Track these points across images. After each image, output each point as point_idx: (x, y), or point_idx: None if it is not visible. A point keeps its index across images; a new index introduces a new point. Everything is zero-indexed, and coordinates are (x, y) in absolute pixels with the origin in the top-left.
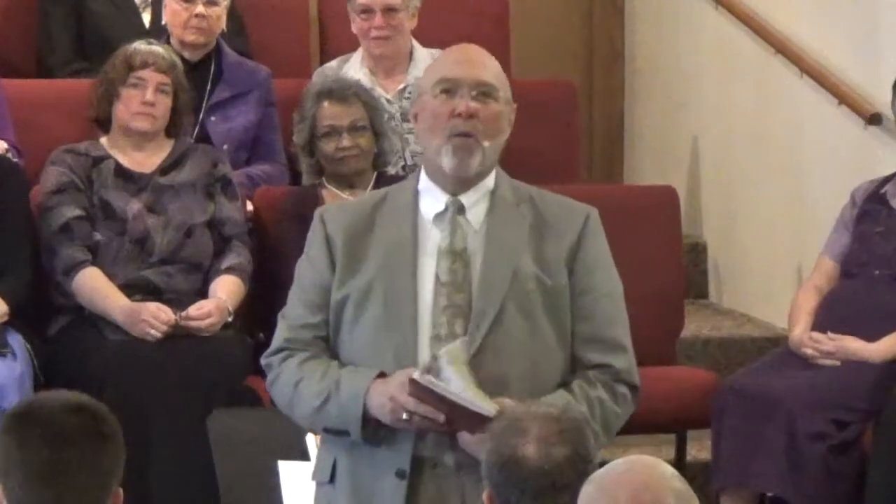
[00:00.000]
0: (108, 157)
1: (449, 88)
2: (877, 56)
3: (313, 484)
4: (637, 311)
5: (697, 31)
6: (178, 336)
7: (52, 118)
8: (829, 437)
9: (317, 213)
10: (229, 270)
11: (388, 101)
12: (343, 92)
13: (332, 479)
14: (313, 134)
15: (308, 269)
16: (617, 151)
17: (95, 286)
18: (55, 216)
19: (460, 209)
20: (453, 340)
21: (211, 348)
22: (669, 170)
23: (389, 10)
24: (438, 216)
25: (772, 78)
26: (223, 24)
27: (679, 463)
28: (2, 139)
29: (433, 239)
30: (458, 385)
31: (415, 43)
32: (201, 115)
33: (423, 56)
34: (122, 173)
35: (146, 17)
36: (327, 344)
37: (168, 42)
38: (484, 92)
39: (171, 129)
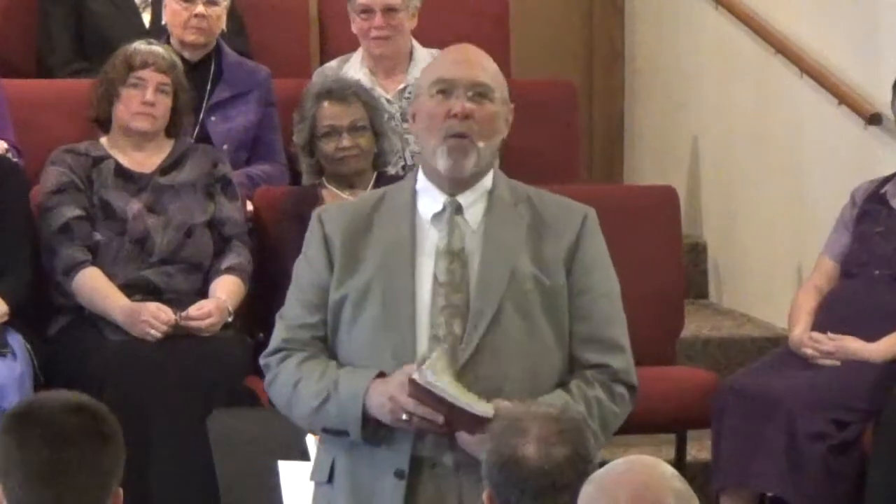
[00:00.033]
0: (108, 157)
1: (445, 89)
2: (877, 56)
3: (312, 484)
4: (637, 311)
5: (697, 31)
6: (178, 336)
7: (52, 118)
8: (829, 437)
9: (315, 213)
10: (229, 270)
11: (388, 101)
12: (343, 92)
13: (330, 479)
14: (313, 134)
15: (306, 270)
16: (617, 151)
17: (95, 286)
18: (55, 216)
19: (458, 209)
20: (451, 340)
21: (211, 348)
22: (669, 170)
23: (389, 10)
24: (436, 216)
25: (772, 78)
26: (223, 24)
27: (679, 463)
28: (2, 139)
29: (431, 239)
30: (452, 390)
31: (415, 43)
32: (201, 115)
33: (423, 56)
34: (122, 173)
35: (146, 17)
36: (325, 344)
37: (168, 42)
38: (480, 92)
39: (171, 129)
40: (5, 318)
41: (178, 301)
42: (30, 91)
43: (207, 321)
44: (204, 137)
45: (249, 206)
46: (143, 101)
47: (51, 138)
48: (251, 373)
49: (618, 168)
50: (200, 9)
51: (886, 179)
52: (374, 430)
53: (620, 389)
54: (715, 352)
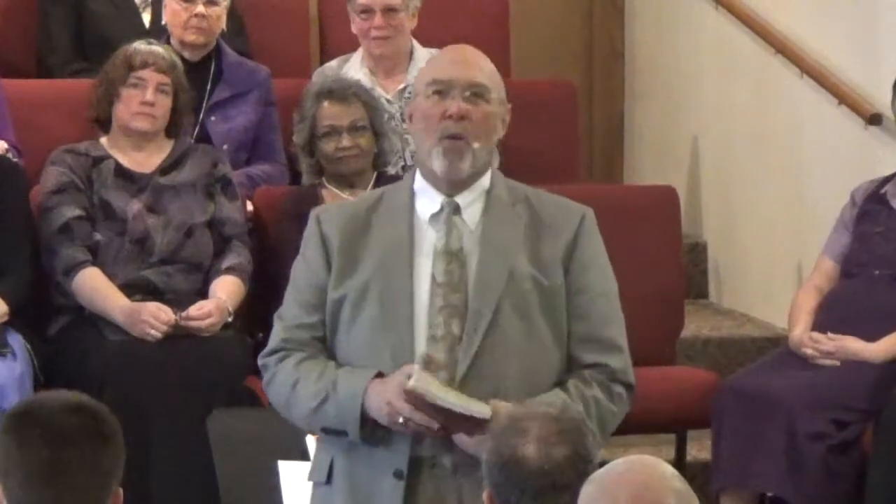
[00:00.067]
0: (108, 157)
1: (441, 90)
2: (877, 56)
3: (311, 484)
4: (637, 311)
5: (697, 31)
6: (178, 336)
7: (52, 118)
8: (829, 437)
9: (312, 213)
10: (229, 270)
11: (388, 101)
12: (343, 92)
13: (328, 479)
14: (313, 134)
15: (304, 270)
16: (617, 151)
17: (95, 286)
18: (55, 216)
19: (456, 209)
20: (450, 341)
21: (211, 348)
22: (669, 170)
23: (389, 10)
24: (434, 216)
25: (772, 78)
26: (223, 24)
27: (679, 463)
28: (2, 139)
29: (429, 239)
30: (448, 396)
31: (415, 43)
32: (201, 115)
33: (423, 56)
34: (122, 173)
35: (146, 17)
36: (324, 344)
37: (168, 42)
38: (476, 93)
39: (171, 129)
40: (5, 318)
41: (178, 301)
42: (30, 91)
43: (207, 321)
44: (204, 137)
45: (249, 206)
46: (143, 101)
47: (51, 138)
48: (251, 373)
49: (618, 168)
50: (200, 9)
51: (886, 179)
52: (373, 431)
53: (618, 389)
54: (715, 352)
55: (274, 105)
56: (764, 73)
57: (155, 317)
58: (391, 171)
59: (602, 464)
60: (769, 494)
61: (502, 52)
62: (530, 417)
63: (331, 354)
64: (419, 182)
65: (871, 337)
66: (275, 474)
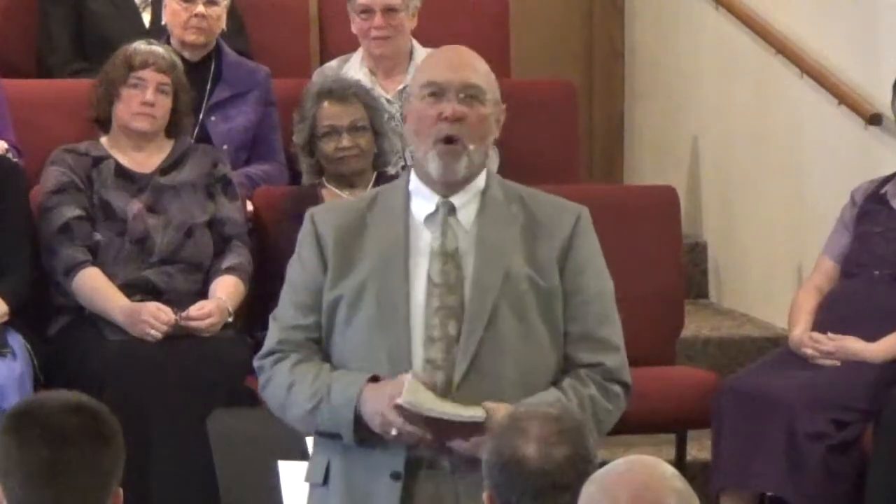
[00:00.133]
0: (108, 157)
1: (436, 91)
2: (877, 56)
3: (307, 485)
4: (637, 311)
5: (697, 31)
6: (178, 336)
7: (52, 118)
8: (828, 437)
9: (307, 213)
10: (229, 271)
11: (387, 101)
12: (343, 92)
13: (325, 480)
14: (313, 134)
15: (299, 271)
16: (617, 151)
17: (95, 286)
18: (55, 216)
19: (451, 210)
20: (447, 342)
21: (211, 348)
22: (669, 170)
23: (389, 10)
24: (430, 217)
25: (772, 78)
26: (223, 24)
27: (679, 463)
28: (2, 139)
29: (425, 240)
30: (439, 406)
31: (415, 43)
32: (201, 115)
33: (423, 56)
34: (122, 173)
35: (146, 17)
36: (319, 345)
37: (168, 42)
38: (471, 94)
39: (172, 130)
40: (5, 318)
41: (178, 301)
42: (30, 91)
43: (207, 321)
44: (204, 137)
45: (249, 206)
46: (143, 101)
47: (51, 138)
48: (251, 373)
49: (618, 168)
50: (200, 9)
51: (886, 179)
52: (368, 434)
53: (615, 388)
54: (715, 352)
55: (274, 105)
56: (764, 73)
57: (155, 317)
58: (391, 171)
59: (602, 464)
60: (769, 494)
61: (502, 52)
62: (531, 417)
63: (327, 355)
64: (414, 183)
65: (871, 337)
66: (275, 474)
